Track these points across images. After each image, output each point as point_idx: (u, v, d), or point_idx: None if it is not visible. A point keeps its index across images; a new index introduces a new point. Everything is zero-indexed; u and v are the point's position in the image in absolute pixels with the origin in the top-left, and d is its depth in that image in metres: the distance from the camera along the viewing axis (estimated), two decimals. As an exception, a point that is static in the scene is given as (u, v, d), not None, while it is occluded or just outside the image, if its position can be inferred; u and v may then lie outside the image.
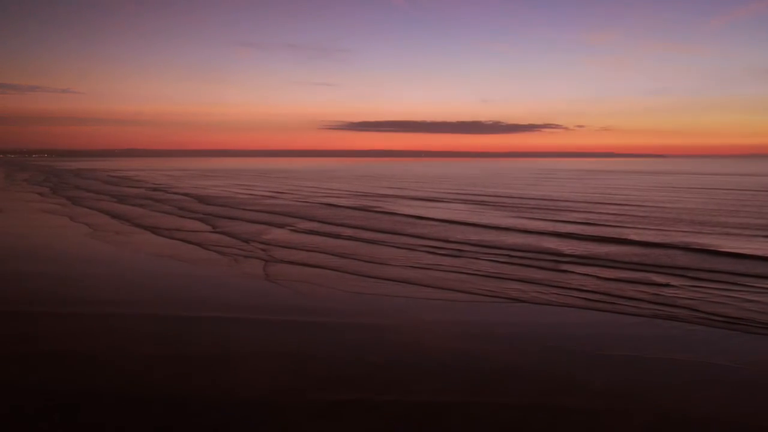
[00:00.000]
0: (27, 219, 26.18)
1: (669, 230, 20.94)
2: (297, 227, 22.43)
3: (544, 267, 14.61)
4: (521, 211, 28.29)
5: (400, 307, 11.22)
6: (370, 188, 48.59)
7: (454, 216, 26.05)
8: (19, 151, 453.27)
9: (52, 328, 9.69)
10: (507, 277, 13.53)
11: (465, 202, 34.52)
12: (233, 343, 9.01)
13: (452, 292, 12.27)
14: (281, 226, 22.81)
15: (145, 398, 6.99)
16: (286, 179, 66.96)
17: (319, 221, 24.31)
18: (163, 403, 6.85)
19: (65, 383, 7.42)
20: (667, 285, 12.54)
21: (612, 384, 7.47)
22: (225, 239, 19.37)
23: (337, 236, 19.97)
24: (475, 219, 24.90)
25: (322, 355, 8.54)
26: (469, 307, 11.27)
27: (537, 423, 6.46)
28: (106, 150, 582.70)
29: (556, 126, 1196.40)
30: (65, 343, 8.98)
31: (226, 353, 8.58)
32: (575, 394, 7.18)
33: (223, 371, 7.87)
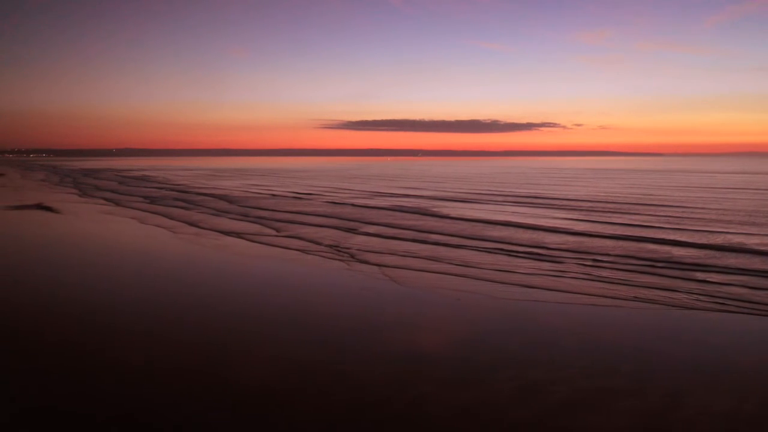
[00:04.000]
0: (100, 222, 25.44)
1: (760, 234, 20.22)
2: (366, 231, 21.62)
3: (673, 275, 13.89)
4: (584, 213, 27.54)
5: (561, 314, 10.74)
6: (396, 189, 47.54)
7: (521, 219, 25.28)
8: (17, 151, 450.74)
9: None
10: (641, 284, 12.92)
11: (515, 203, 33.72)
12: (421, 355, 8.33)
13: (597, 298, 11.83)
14: (348, 230, 21.97)
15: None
16: (297, 179, 66.06)
17: (383, 225, 23.45)
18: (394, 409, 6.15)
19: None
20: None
21: None
22: (309, 245, 18.60)
23: (422, 241, 19.17)
24: (549, 223, 24.15)
25: (537, 364, 7.83)
26: (633, 313, 10.74)
27: None
28: (104, 149, 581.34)
29: (554, 125, 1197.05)
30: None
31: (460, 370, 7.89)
32: None
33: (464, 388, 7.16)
